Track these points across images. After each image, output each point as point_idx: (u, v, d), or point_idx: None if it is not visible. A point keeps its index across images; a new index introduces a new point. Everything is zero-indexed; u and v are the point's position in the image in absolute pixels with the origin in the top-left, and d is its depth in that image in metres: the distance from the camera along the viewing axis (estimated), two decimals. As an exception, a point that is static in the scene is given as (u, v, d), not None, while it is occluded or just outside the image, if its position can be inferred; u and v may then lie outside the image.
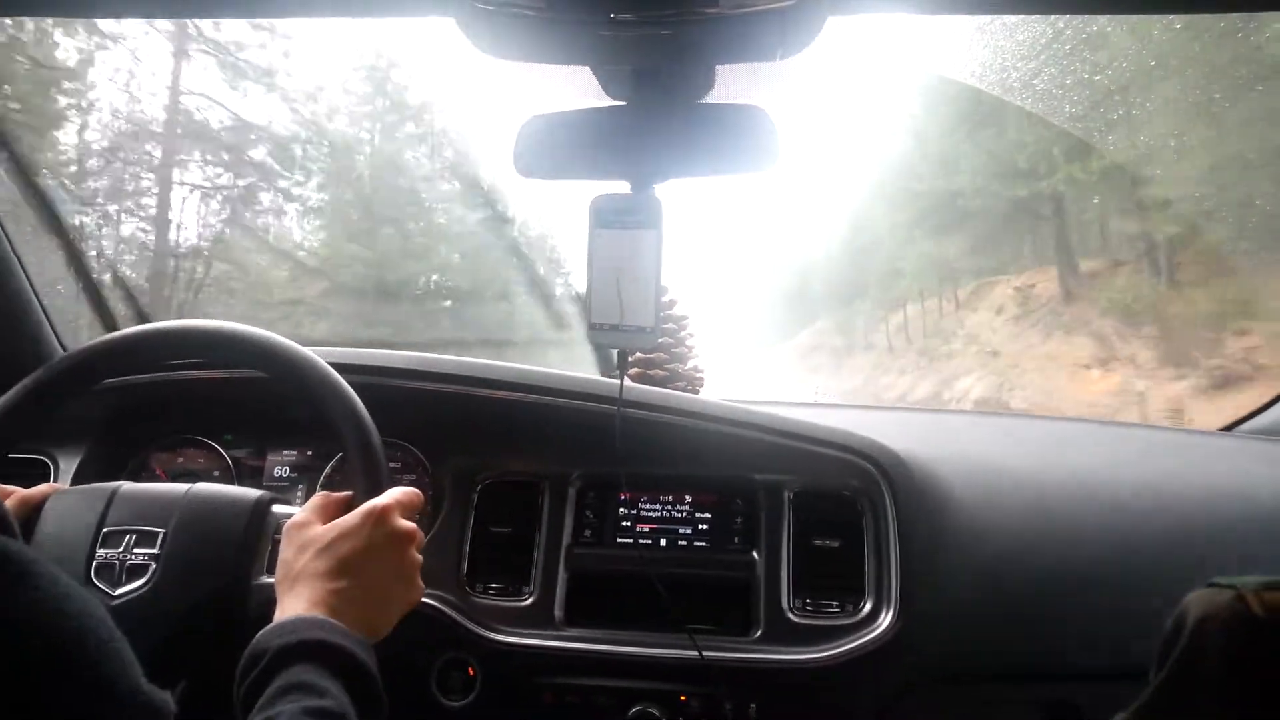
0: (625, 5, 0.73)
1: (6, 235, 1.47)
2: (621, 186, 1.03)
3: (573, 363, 1.49)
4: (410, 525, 0.99)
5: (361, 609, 0.90)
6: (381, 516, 0.96)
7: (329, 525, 0.96)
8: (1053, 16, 1.42)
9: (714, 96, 0.97)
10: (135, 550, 1.05)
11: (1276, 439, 1.57)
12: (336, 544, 0.93)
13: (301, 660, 0.78)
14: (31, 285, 1.53)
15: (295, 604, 0.87)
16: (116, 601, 1.00)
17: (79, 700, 0.59)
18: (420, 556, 1.00)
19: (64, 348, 1.59)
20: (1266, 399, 1.67)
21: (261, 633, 0.82)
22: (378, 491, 1.02)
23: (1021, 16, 1.42)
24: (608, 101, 0.97)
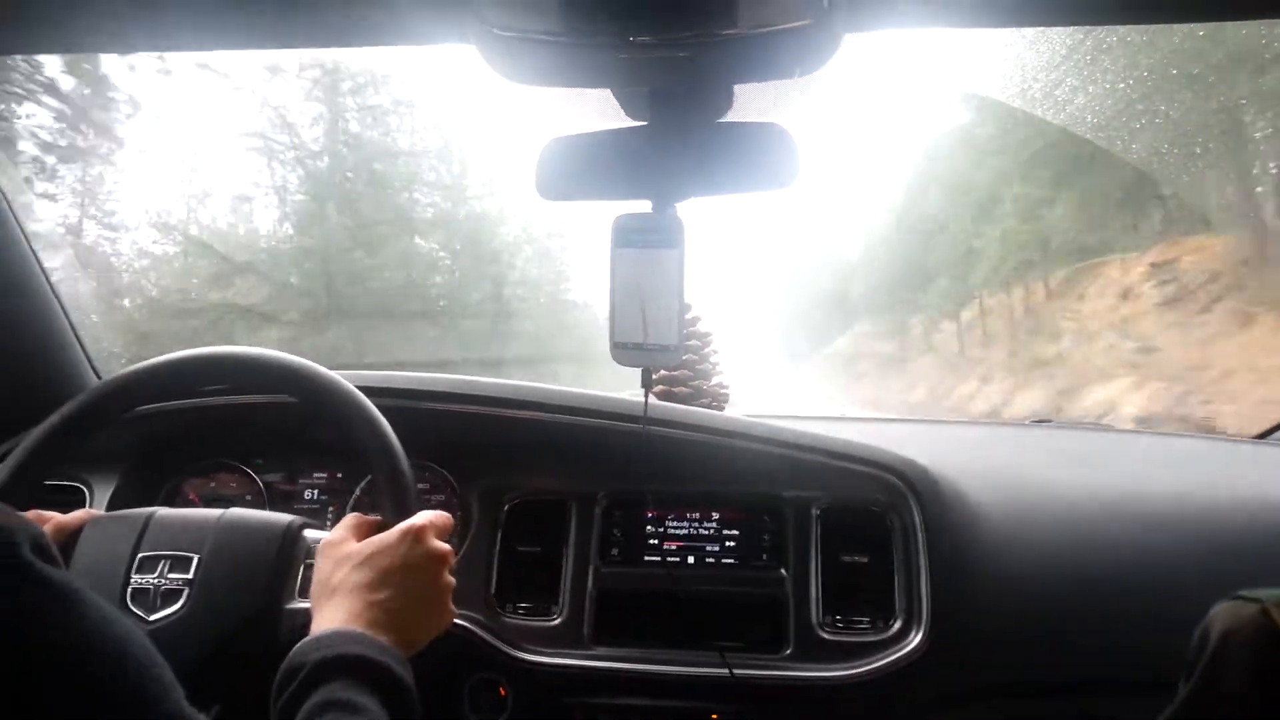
0: (643, 28, 0.74)
1: (41, 265, 1.50)
2: (643, 206, 1.03)
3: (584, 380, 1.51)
4: (445, 546, 1.00)
5: (398, 622, 0.90)
6: (419, 535, 0.97)
7: (365, 541, 0.97)
8: (1072, 28, 1.42)
9: (733, 115, 0.97)
10: (170, 575, 1.06)
11: None
12: (374, 558, 0.94)
13: (339, 675, 0.78)
14: (66, 313, 1.56)
15: (333, 615, 0.88)
16: (151, 627, 1.01)
17: None
18: (453, 579, 1.01)
19: (98, 375, 1.61)
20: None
21: (299, 645, 0.83)
22: (405, 515, 1.03)
23: (1041, 29, 1.42)
24: (628, 122, 0.98)
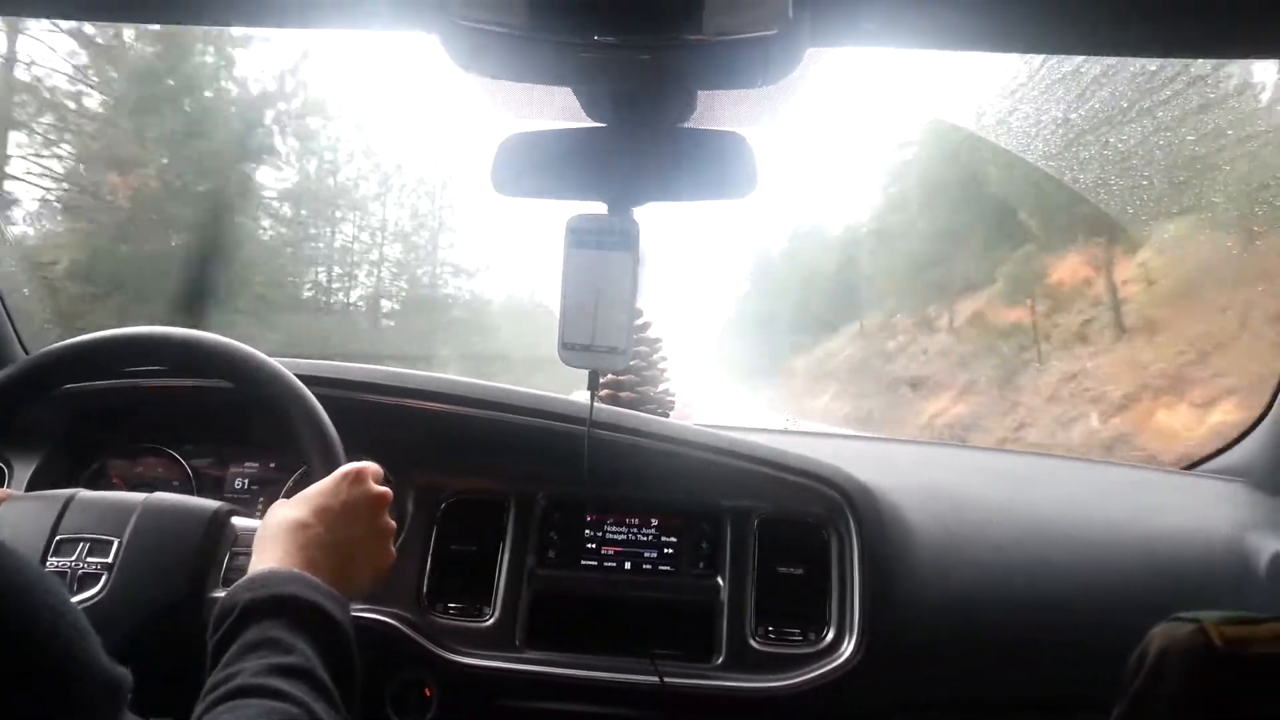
0: (608, 27, 0.74)
1: None
2: (599, 207, 1.03)
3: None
4: (383, 489, 1.00)
5: (336, 560, 0.90)
6: (357, 477, 0.97)
7: (305, 489, 0.97)
8: (1029, 56, 1.45)
9: (694, 121, 0.97)
10: (88, 559, 1.03)
11: (1235, 479, 1.59)
12: (313, 498, 0.94)
13: (270, 615, 0.77)
14: None
15: (271, 552, 0.87)
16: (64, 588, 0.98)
17: (36, 674, 0.58)
18: (393, 523, 1.01)
19: (26, 351, 1.56)
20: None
21: (233, 586, 0.81)
22: (335, 468, 1.02)
23: (1000, 55, 1.45)
24: (588, 123, 0.97)
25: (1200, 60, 1.51)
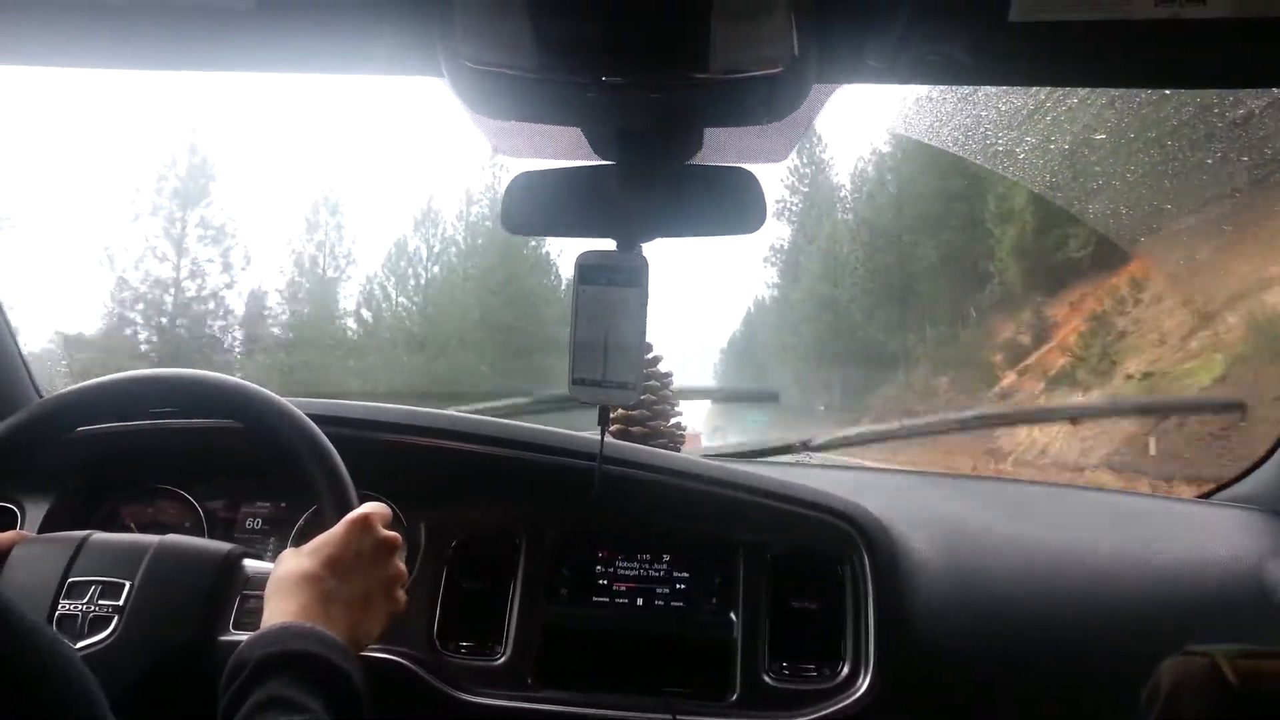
0: (615, 68, 0.74)
1: None
2: (609, 243, 1.03)
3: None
4: (393, 534, 1.00)
5: (347, 612, 0.90)
6: (366, 524, 0.97)
7: (315, 539, 0.97)
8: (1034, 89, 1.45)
9: (701, 158, 0.98)
10: (99, 602, 1.03)
11: (1253, 508, 1.58)
12: (322, 548, 0.94)
13: (282, 673, 0.77)
14: (10, 330, 1.51)
15: (283, 606, 0.87)
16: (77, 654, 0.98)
17: None
18: (404, 567, 1.01)
19: (39, 394, 1.57)
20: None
21: (245, 642, 0.81)
22: (347, 511, 1.03)
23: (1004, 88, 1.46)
24: (596, 161, 0.98)
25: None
